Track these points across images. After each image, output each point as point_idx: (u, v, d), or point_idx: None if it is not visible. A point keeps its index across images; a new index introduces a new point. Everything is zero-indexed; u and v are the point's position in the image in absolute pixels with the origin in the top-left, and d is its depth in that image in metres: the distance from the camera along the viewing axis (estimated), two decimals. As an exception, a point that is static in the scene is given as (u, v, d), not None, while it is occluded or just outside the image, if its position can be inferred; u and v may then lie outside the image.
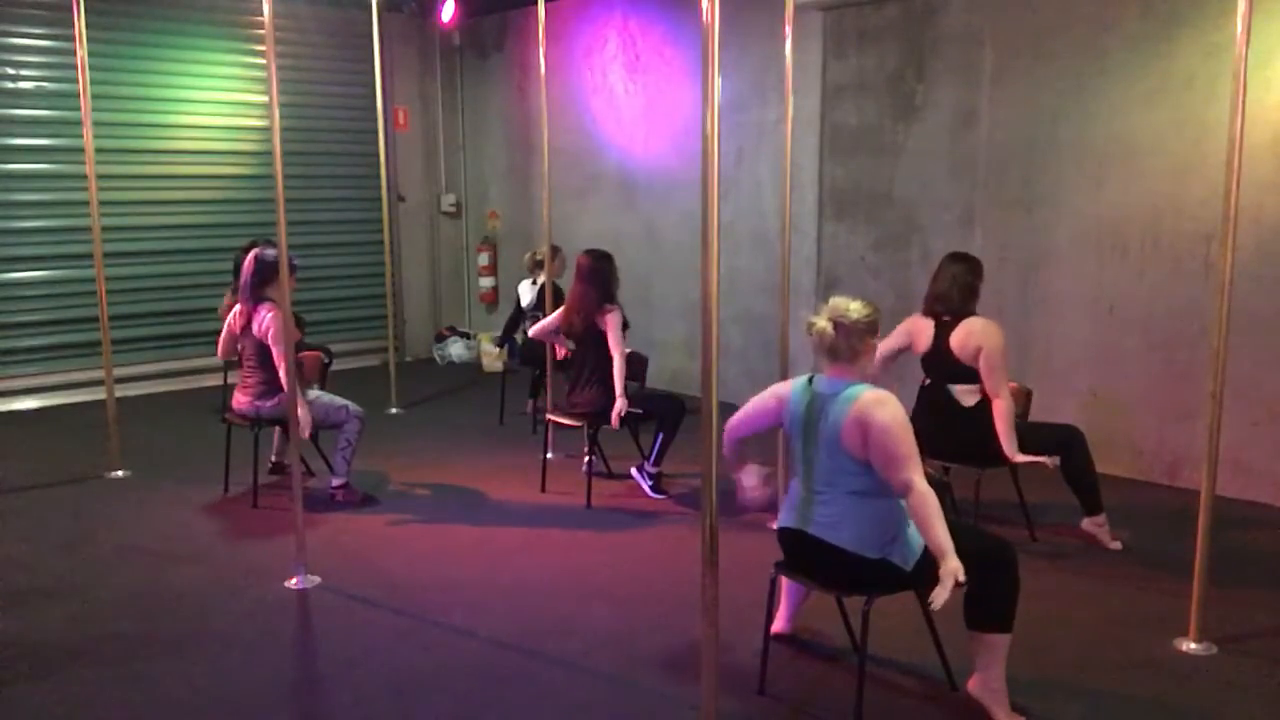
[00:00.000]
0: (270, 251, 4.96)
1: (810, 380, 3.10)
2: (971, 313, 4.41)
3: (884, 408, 2.88)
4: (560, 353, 6.31)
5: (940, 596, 2.72)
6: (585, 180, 8.56)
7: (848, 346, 2.99)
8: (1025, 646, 3.38)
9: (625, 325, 5.32)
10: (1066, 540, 4.58)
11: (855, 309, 3.00)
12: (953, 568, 2.73)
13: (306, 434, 4.98)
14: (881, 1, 6.39)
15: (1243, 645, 3.57)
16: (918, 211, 6.38)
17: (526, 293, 7.14)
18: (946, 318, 4.43)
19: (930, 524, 2.79)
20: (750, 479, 3.42)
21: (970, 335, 4.34)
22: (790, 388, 3.17)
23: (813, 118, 6.77)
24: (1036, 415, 4.89)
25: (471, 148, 9.87)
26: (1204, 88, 5.10)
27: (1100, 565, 4.34)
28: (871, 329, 3.02)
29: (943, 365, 4.44)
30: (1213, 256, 5.05)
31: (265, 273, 4.97)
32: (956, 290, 4.42)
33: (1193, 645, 3.54)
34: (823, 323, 3.00)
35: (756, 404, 3.27)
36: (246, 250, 5.29)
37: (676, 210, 7.81)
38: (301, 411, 4.81)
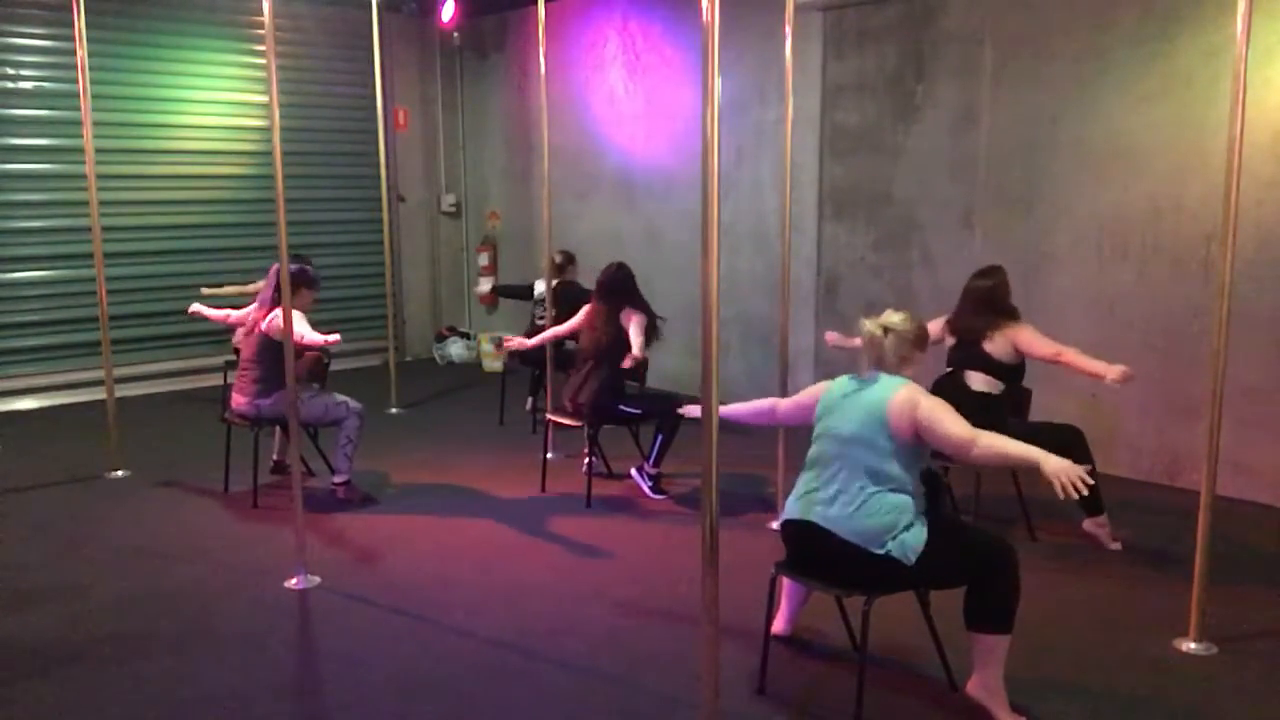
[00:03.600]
0: (292, 266, 5.11)
1: (853, 377, 3.22)
2: (1002, 325, 4.48)
3: (929, 396, 3.04)
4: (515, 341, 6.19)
5: (1072, 481, 2.73)
6: (585, 180, 8.56)
7: (895, 354, 3.13)
8: (1025, 646, 3.38)
9: (656, 332, 5.32)
10: (1066, 540, 4.58)
11: (902, 320, 3.17)
12: (1056, 467, 2.77)
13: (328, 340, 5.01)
14: (881, 1, 6.39)
15: (1243, 645, 3.57)
16: (918, 211, 6.38)
17: (541, 287, 7.11)
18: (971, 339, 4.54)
19: (1007, 450, 2.90)
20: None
21: (1006, 339, 4.46)
22: (831, 382, 3.28)
23: (813, 118, 6.77)
24: (1037, 415, 4.90)
25: (471, 148, 9.87)
26: (1204, 88, 5.10)
27: (1100, 565, 4.34)
28: (919, 342, 3.17)
29: (968, 353, 4.52)
30: (1213, 256, 5.05)
31: (294, 282, 5.08)
32: (981, 310, 4.52)
33: (1193, 645, 3.54)
34: (876, 328, 3.15)
35: (795, 402, 3.42)
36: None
37: (676, 210, 7.81)
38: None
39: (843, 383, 3.22)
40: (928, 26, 6.20)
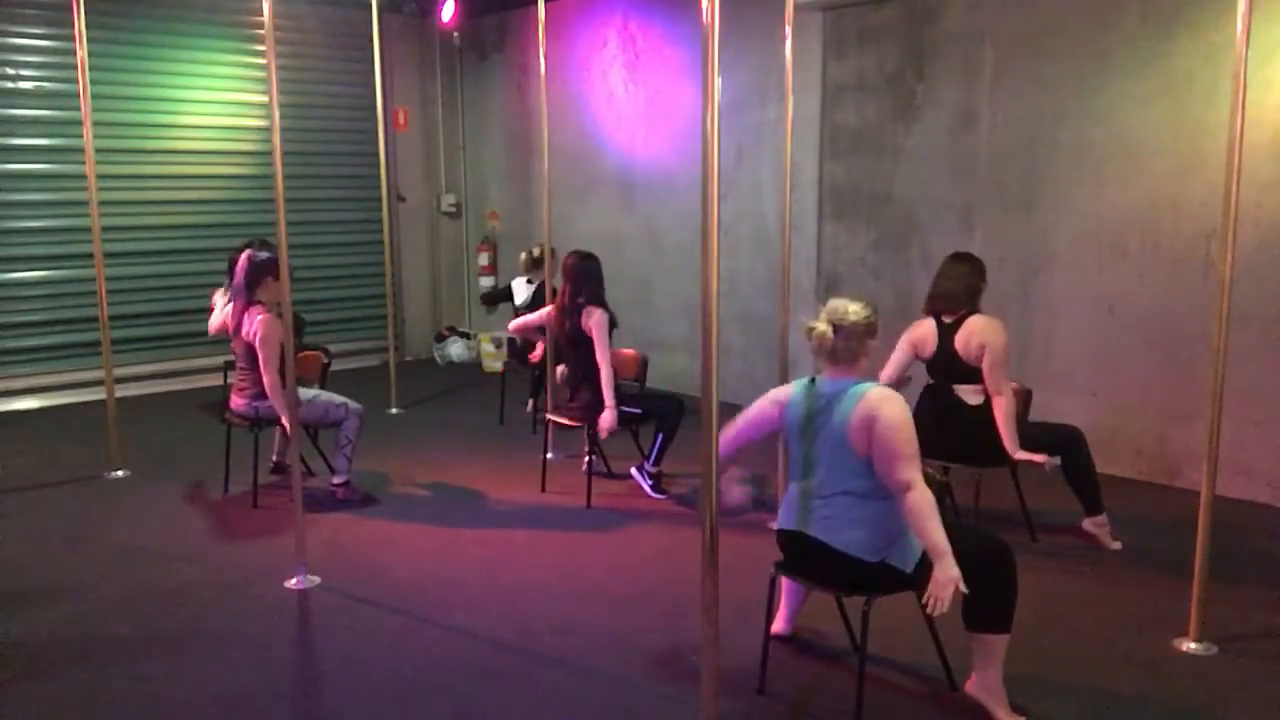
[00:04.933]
0: (262, 253, 5.01)
1: (812, 381, 3.10)
2: (974, 312, 4.41)
3: (891, 404, 2.89)
4: (535, 354, 6.35)
5: (941, 601, 2.72)
6: (585, 180, 8.56)
7: (846, 349, 3.00)
8: (1025, 646, 3.38)
9: (614, 324, 5.30)
10: (1066, 541, 4.58)
11: (854, 311, 3.00)
12: (952, 575, 2.72)
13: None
14: (881, 1, 6.39)
15: (1243, 645, 3.57)
16: (918, 211, 6.38)
17: (521, 291, 7.14)
18: (947, 318, 4.43)
19: (927, 525, 2.79)
20: (729, 485, 3.31)
21: (973, 334, 4.35)
22: (791, 390, 3.16)
23: (813, 118, 6.77)
24: (1036, 415, 4.89)
25: (471, 148, 9.87)
26: (1204, 88, 5.10)
27: (1100, 565, 4.34)
28: (870, 331, 3.02)
29: (948, 367, 4.44)
30: (1213, 256, 5.05)
31: (255, 273, 5.00)
32: (958, 291, 4.42)
33: (1193, 645, 3.54)
34: (822, 326, 3.00)
35: (757, 410, 3.22)
36: (241, 251, 5.29)
37: (676, 210, 7.81)
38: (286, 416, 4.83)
39: (801, 395, 3.08)
40: (928, 26, 6.20)
